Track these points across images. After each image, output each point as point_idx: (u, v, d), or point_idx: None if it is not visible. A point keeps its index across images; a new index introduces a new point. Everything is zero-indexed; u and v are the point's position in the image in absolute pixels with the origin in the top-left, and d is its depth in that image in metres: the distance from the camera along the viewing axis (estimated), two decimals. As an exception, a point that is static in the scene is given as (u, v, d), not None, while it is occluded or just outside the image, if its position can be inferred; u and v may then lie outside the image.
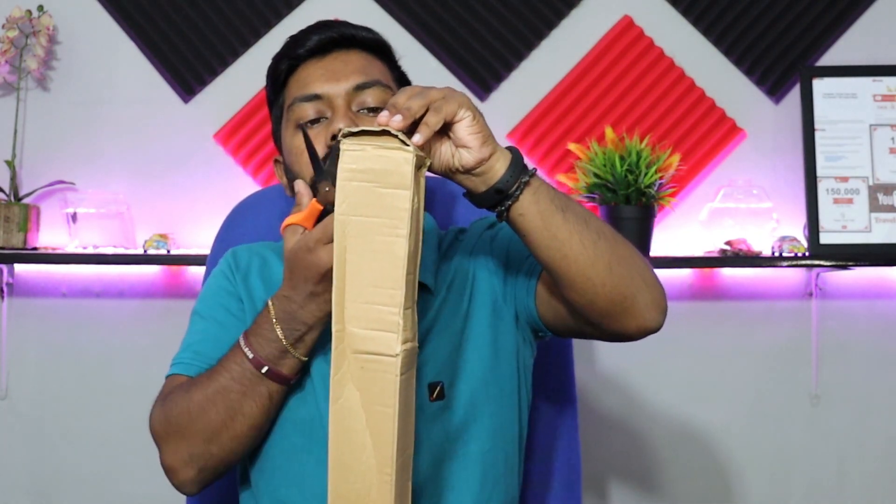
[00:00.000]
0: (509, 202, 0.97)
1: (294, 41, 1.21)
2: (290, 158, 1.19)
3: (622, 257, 1.01)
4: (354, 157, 0.88)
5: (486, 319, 1.16)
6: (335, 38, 1.19)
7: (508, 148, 0.99)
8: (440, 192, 1.39)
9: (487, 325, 1.16)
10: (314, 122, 1.16)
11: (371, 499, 0.90)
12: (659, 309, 1.04)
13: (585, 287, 1.00)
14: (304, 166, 1.13)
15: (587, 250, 0.99)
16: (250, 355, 1.05)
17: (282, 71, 1.21)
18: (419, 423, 1.09)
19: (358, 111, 1.16)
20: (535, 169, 0.98)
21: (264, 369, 1.04)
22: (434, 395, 1.11)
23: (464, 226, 1.28)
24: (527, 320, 1.18)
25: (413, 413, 0.94)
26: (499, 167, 0.96)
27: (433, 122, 0.91)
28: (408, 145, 0.88)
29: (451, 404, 1.12)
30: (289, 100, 1.19)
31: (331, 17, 2.11)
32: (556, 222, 0.98)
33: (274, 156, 1.29)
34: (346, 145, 0.89)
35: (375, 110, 1.15)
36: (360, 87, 1.16)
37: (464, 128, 0.94)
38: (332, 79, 1.16)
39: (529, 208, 0.97)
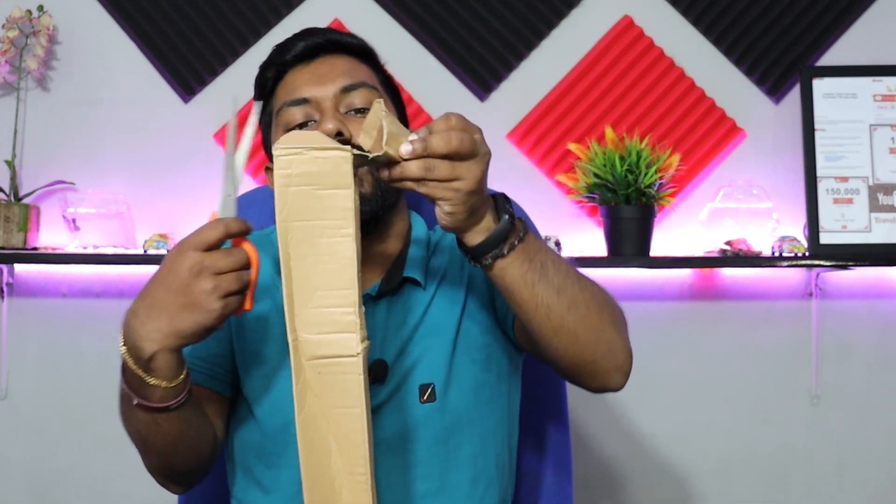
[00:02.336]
0: (476, 265, 0.97)
1: (281, 48, 1.22)
2: None
3: (591, 326, 0.99)
4: (288, 162, 0.87)
5: (481, 319, 1.16)
6: (321, 43, 1.20)
7: (498, 208, 0.95)
8: None
9: (482, 326, 1.16)
10: (302, 125, 1.16)
11: (344, 501, 0.90)
12: (621, 373, 1.04)
13: (548, 349, 1.02)
14: None
15: (552, 322, 0.98)
16: (122, 385, 0.99)
17: (269, 78, 1.22)
18: (409, 425, 1.09)
19: (346, 113, 1.16)
20: (518, 239, 0.94)
21: (135, 401, 0.98)
22: (425, 397, 1.10)
23: None
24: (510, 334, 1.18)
25: (370, 411, 0.93)
26: (472, 239, 0.94)
27: (425, 192, 0.89)
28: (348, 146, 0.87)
29: (444, 406, 1.11)
30: (277, 105, 1.20)
31: (331, 18, 2.15)
32: (523, 296, 0.97)
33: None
34: (278, 151, 0.87)
35: (363, 111, 1.15)
36: (347, 89, 1.16)
37: (443, 206, 0.90)
38: (319, 82, 1.17)
39: (495, 274, 0.96)
